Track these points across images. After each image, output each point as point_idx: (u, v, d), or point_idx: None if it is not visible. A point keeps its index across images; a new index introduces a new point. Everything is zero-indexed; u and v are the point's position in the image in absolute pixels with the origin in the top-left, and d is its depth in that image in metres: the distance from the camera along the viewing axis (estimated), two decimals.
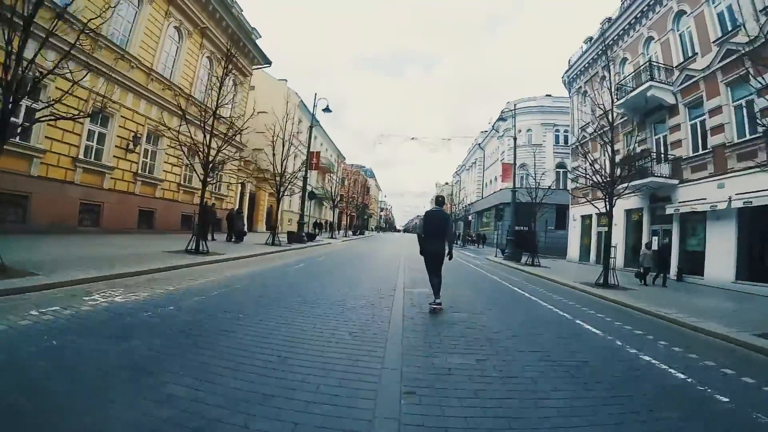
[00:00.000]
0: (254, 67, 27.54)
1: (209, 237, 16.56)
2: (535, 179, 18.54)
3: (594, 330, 5.57)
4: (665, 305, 7.82)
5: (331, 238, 28.74)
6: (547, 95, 36.09)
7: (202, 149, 11.21)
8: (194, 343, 3.57)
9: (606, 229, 19.24)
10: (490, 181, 43.64)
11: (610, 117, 12.80)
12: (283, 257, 12.74)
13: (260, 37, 26.48)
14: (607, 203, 11.62)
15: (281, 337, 3.94)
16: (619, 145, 19.04)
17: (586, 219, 21.23)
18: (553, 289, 10.27)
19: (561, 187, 34.41)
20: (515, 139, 21.31)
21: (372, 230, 69.17)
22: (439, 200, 6.75)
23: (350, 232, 43.65)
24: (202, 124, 11.38)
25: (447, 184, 65.17)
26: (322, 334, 4.25)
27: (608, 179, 11.61)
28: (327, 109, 20.50)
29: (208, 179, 11.67)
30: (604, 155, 20.93)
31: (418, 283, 8.45)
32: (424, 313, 5.69)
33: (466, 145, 59.32)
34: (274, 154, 16.81)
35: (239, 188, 26.04)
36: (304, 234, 19.18)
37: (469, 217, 47.64)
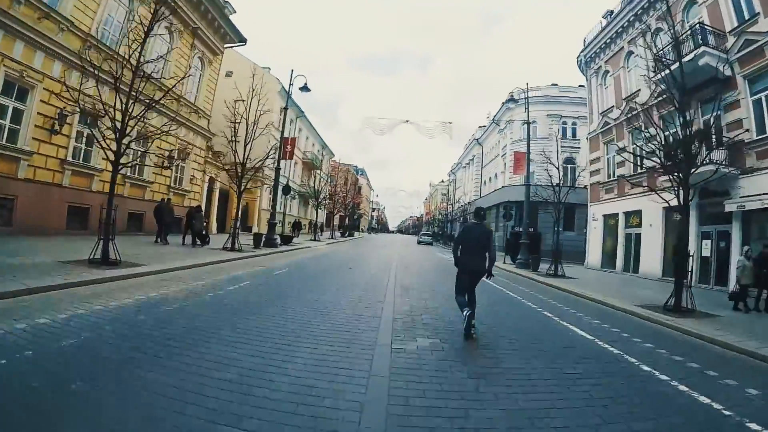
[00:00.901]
0: (226, 45, 24.12)
1: (161, 239, 13.65)
2: (556, 167, 15.38)
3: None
4: None
5: (314, 240, 25.44)
6: (552, 84, 33.14)
7: (111, 115, 7.88)
8: None
9: (638, 230, 16.24)
10: (490, 178, 40.57)
11: (663, 83, 9.50)
12: (230, 269, 9.43)
13: (234, 12, 23.14)
14: (678, 191, 8.46)
15: None
16: (652, 129, 16.01)
17: (609, 219, 18.16)
18: (609, 318, 7.14)
19: (569, 184, 31.50)
20: (528, 124, 18.20)
21: (362, 232, 65.82)
22: (480, 213, 5.75)
23: (338, 234, 40.32)
24: (115, 81, 8.01)
25: (443, 182, 62.08)
26: None
27: (680, 158, 8.42)
28: (305, 88, 17.24)
29: (126, 162, 8.32)
30: (635, 143, 17.93)
31: (416, 324, 5.33)
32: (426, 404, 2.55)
33: (465, 135, 56.45)
34: (235, 139, 13.51)
35: (207, 183, 22.62)
36: (276, 237, 15.85)
37: (468, 217, 44.45)
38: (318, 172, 39.87)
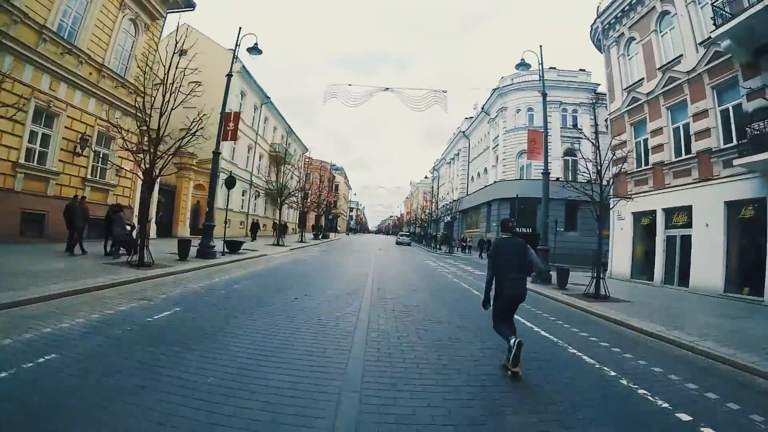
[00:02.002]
0: (170, 10, 19.54)
1: (74, 248, 10.43)
2: (584, 158, 11.79)
3: None
4: None
5: (277, 244, 21.15)
6: (550, 68, 29.73)
7: None
8: None
9: (685, 231, 12.69)
10: (478, 173, 37.06)
11: None
12: (68, 312, 5.16)
13: None
14: None
15: None
16: (703, 103, 12.57)
17: (642, 217, 14.65)
18: None
19: (570, 179, 28.22)
20: (544, 95, 14.45)
21: (338, 233, 61.44)
22: (508, 225, 4.47)
23: (311, 236, 36.09)
24: None
25: (426, 177, 58.31)
26: None
27: None
28: (255, 49, 12.99)
29: None
30: (675, 122, 14.44)
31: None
32: None
33: (445, 135, 52.60)
34: (143, 108, 9.28)
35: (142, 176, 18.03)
36: (211, 244, 11.55)
37: (450, 217, 40.94)
38: (288, 167, 35.44)
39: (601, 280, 9.48)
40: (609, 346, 5.45)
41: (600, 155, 11.14)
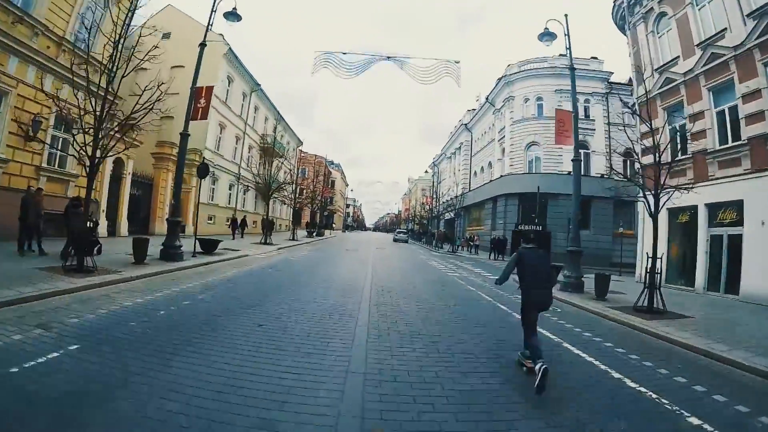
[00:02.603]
0: None
1: (27, 247, 9.07)
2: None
3: None
4: None
5: (265, 243, 19.25)
6: (561, 55, 27.86)
7: None
8: None
9: (734, 230, 10.83)
10: (482, 167, 35.22)
11: None
12: None
13: None
14: None
15: None
16: (754, 82, 10.76)
17: (679, 214, 12.87)
18: None
19: (582, 173, 26.42)
20: (572, 70, 12.66)
21: (333, 230, 59.48)
22: (530, 237, 4.70)
23: (305, 234, 34.23)
24: None
25: (427, 172, 56.41)
26: None
27: None
28: (234, 14, 11.02)
29: None
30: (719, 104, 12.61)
31: None
32: None
33: (440, 134, 50.39)
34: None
35: (112, 166, 16.11)
36: (176, 244, 9.62)
37: (453, 214, 39.08)
38: (281, 160, 33.50)
39: (658, 292, 7.67)
40: (726, 400, 3.63)
41: (624, 145, 9.28)
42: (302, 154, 42.59)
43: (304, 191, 34.81)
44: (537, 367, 3.57)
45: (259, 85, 27.91)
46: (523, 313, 4.31)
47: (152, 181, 20.18)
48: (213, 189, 23.41)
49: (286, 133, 35.89)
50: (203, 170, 11.44)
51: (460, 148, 41.79)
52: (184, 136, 9.98)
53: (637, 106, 15.43)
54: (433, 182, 44.29)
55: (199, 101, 10.15)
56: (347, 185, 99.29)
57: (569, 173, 26.08)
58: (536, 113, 27.15)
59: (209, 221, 22.87)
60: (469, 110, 40.27)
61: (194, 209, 21.37)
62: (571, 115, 11.54)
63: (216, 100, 22.82)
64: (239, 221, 22.99)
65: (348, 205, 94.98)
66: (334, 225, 60.51)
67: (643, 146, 11.39)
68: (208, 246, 12.01)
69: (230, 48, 23.49)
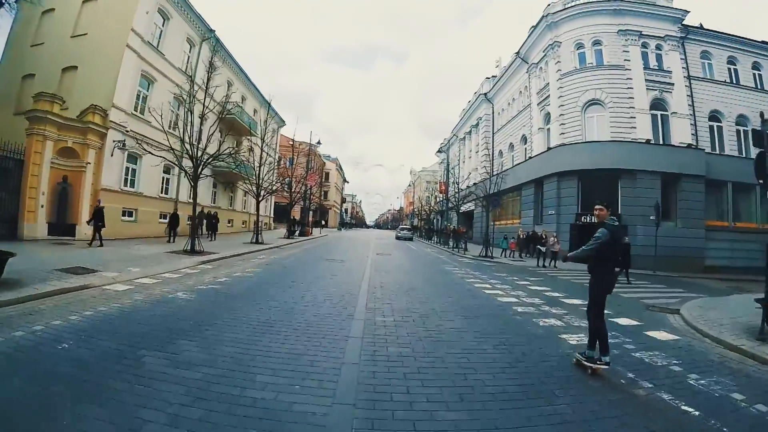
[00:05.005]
0: None
1: None
2: None
3: None
4: None
5: (190, 251, 11.92)
6: None
7: None
8: None
9: None
10: (511, 145, 27.76)
11: None
12: None
13: None
14: None
15: None
16: None
17: None
18: None
19: (662, 142, 18.95)
20: None
21: (326, 227, 52.00)
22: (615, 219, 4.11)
23: (297, 231, 27.01)
24: None
25: (439, 158, 48.72)
26: None
27: None
28: None
29: None
30: None
31: None
32: None
33: (438, 130, 42.32)
34: None
35: None
36: None
37: (481, 205, 31.43)
38: (249, 139, 26.06)
39: None
40: None
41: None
42: (289, 142, 35.02)
43: (286, 179, 27.37)
44: (606, 359, 3.76)
45: (213, 31, 20.37)
46: (596, 300, 3.97)
47: (21, 156, 12.81)
48: (132, 170, 15.97)
49: (262, 108, 28.31)
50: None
51: (477, 124, 34.26)
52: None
53: None
54: (447, 167, 36.60)
55: None
56: (346, 181, 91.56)
57: (648, 141, 18.73)
58: (595, 62, 19.68)
59: (127, 217, 15.50)
60: (488, 78, 32.71)
61: (92, 199, 13.99)
62: None
63: (136, 37, 15.39)
64: (172, 217, 15.55)
65: (344, 200, 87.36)
66: (323, 222, 52.75)
67: None
68: None
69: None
